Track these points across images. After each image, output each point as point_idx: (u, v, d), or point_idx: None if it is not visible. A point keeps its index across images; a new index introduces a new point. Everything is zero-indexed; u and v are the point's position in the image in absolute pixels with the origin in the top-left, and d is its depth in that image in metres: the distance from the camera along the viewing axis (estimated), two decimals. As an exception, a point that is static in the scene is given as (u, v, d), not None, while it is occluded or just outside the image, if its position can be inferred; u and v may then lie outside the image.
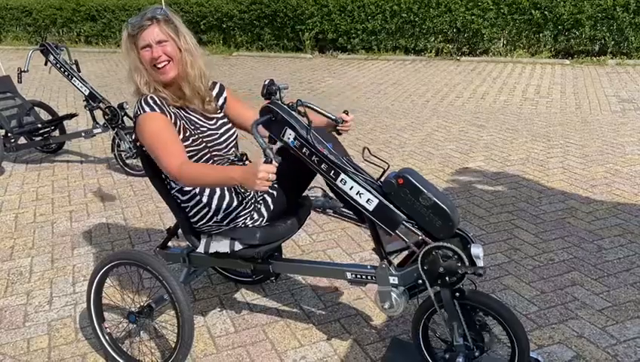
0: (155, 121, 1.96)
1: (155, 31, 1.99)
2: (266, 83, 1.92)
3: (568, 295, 2.62)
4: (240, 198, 2.14)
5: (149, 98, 1.99)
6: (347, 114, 2.17)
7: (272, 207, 2.16)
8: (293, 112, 1.94)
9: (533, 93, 6.98)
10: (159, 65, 2.00)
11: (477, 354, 1.92)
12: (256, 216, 2.15)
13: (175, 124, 2.02)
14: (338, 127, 2.18)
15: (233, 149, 2.19)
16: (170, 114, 2.01)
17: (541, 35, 9.32)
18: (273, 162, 1.71)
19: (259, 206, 2.16)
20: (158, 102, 2.00)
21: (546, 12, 9.12)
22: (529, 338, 1.99)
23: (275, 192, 2.18)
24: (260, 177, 1.68)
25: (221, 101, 2.24)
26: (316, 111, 2.15)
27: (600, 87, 7.19)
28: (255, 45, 11.45)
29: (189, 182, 1.93)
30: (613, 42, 8.94)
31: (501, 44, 9.65)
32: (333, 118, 2.15)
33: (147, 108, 1.97)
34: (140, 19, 2.00)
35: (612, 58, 8.90)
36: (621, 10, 8.66)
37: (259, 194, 2.19)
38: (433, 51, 10.02)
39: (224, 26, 11.50)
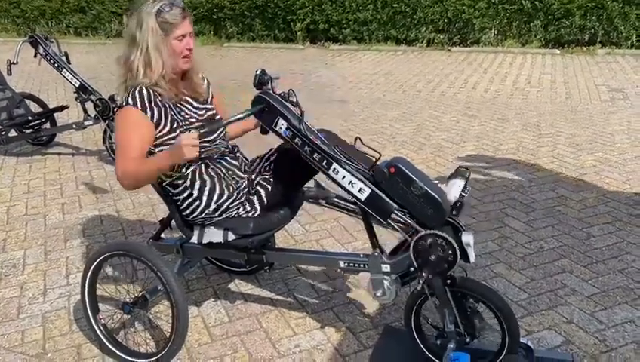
0: (130, 117, 1.99)
1: (189, 22, 2.05)
2: (258, 73, 1.93)
3: (558, 282, 2.66)
4: (231, 190, 2.15)
5: (136, 92, 2.00)
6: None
7: (265, 201, 2.17)
8: (285, 102, 1.95)
9: (523, 83, 7.01)
10: (188, 56, 2.06)
11: (468, 339, 1.95)
12: (248, 208, 2.16)
13: (160, 118, 2.03)
14: None
15: (221, 140, 2.19)
16: (156, 108, 2.01)
17: (531, 24, 9.34)
18: (192, 131, 1.87)
19: (252, 198, 2.17)
20: (146, 96, 2.00)
21: (536, 2, 9.14)
22: (519, 325, 2.02)
23: (270, 186, 2.19)
24: (185, 144, 1.81)
25: (210, 95, 2.26)
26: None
27: (590, 76, 7.23)
28: (246, 36, 11.40)
29: (129, 182, 2.00)
30: (602, 32, 8.98)
31: (492, 34, 9.66)
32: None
33: (130, 102, 1.99)
34: (171, 8, 1.99)
35: (602, 48, 8.95)
36: (610, -1, 8.70)
37: (253, 186, 2.20)
38: (424, 42, 10.02)
39: (215, 16, 11.43)
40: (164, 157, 1.94)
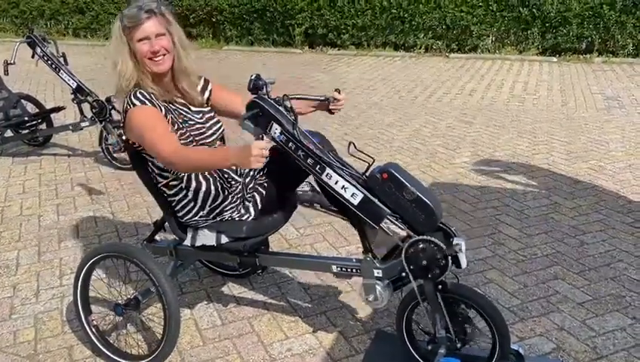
0: (146, 113, 1.98)
1: (153, 24, 2.00)
2: (253, 77, 1.94)
3: (550, 288, 2.67)
4: (226, 193, 2.15)
5: (137, 93, 2.00)
6: (339, 92, 2.16)
7: (259, 204, 2.18)
8: (279, 107, 1.96)
9: (520, 90, 7.04)
10: (157, 58, 2.01)
11: (459, 345, 1.96)
12: (242, 211, 2.17)
13: (165, 116, 2.04)
14: (330, 107, 2.17)
15: (219, 142, 2.20)
16: (159, 107, 2.03)
17: (529, 32, 9.38)
18: (265, 138, 1.80)
19: (247, 203, 2.18)
20: (147, 96, 2.01)
21: (534, 10, 9.18)
22: (510, 331, 2.03)
23: (264, 190, 2.19)
24: (255, 154, 1.73)
25: (206, 95, 2.26)
26: (304, 99, 2.16)
27: (586, 84, 7.26)
28: (245, 40, 11.40)
29: (184, 165, 1.95)
30: (599, 40, 9.02)
31: (490, 41, 9.70)
32: (323, 98, 2.15)
33: (137, 102, 1.99)
34: (136, 11, 1.98)
35: (598, 56, 8.99)
36: (607, 8, 8.74)
37: (248, 190, 2.21)
38: (422, 47, 10.05)
39: (214, 20, 11.45)
40: (226, 155, 1.88)
